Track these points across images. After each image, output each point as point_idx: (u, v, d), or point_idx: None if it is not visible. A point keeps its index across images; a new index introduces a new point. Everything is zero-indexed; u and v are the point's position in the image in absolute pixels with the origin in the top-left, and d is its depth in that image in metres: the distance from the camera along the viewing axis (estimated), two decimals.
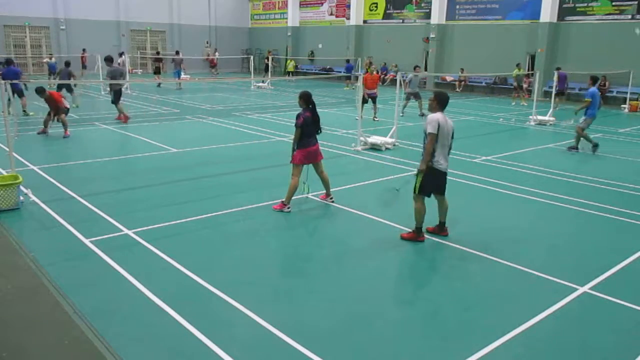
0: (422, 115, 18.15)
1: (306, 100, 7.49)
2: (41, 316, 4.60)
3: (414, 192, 6.46)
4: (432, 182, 6.36)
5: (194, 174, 9.54)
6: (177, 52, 29.64)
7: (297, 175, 7.43)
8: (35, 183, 8.34)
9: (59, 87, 16.76)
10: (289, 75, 33.35)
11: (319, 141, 7.66)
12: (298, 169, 7.44)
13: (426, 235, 6.60)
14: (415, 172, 6.48)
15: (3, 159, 9.46)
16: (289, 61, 35.51)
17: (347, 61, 29.72)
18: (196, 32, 38.89)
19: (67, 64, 17.88)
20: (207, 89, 26.47)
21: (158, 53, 28.94)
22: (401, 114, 18.14)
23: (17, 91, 15.39)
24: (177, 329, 4.38)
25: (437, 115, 6.26)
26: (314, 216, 7.54)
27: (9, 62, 16.61)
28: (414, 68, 19.46)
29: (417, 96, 18.42)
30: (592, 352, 4.28)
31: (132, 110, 17.54)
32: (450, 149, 6.48)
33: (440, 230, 6.74)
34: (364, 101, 16.82)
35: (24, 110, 16.17)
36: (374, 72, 18.22)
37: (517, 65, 22.74)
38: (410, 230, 6.61)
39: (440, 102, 6.33)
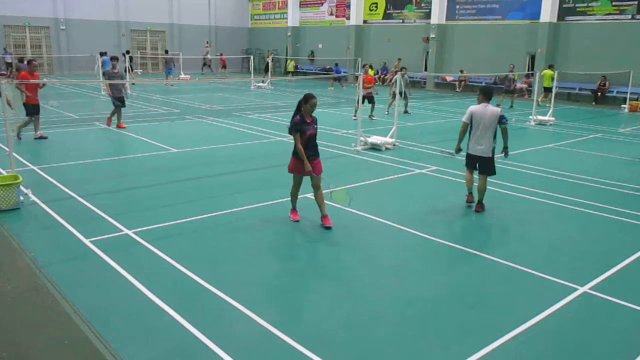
0: (406, 112, 18.72)
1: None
2: (41, 316, 4.60)
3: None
4: (470, 161, 7.92)
5: (194, 174, 9.54)
6: (167, 52, 30.91)
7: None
8: (35, 183, 8.33)
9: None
10: (289, 75, 33.39)
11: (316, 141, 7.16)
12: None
13: (429, 236, 6.63)
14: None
15: (3, 159, 9.46)
16: (289, 61, 35.51)
17: (336, 65, 30.55)
18: (196, 32, 38.88)
19: (22, 60, 18.74)
20: (207, 89, 26.47)
21: (128, 52, 29.41)
22: (386, 112, 18.23)
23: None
24: (177, 328, 4.38)
25: (472, 107, 7.77)
26: (313, 216, 7.52)
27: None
28: (401, 69, 19.51)
29: (404, 95, 18.53)
30: (592, 352, 4.28)
31: (132, 110, 17.54)
32: (495, 133, 7.67)
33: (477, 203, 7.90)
34: (362, 101, 16.86)
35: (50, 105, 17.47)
36: (369, 72, 18.24)
37: (550, 66, 22.48)
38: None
39: (484, 95, 7.74)
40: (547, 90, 21.69)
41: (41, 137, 12.39)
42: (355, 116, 16.97)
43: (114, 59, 14.65)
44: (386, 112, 18.33)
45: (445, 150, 8.89)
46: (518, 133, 15.69)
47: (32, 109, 12.23)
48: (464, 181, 8.17)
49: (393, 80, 18.32)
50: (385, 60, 31.83)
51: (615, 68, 22.06)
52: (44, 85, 13.11)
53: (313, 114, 6.74)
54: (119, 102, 14.00)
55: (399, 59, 29.99)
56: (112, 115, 14.24)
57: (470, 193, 8.09)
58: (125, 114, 14.98)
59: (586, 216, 7.76)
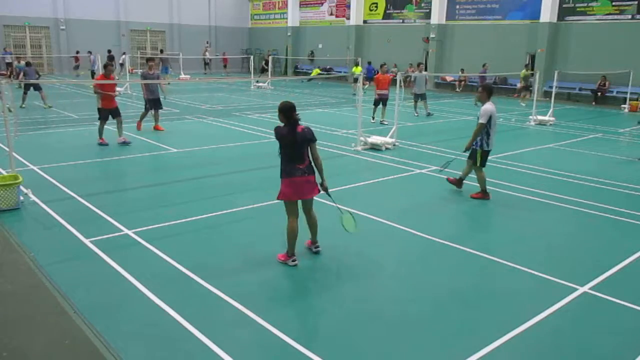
0: (429, 114, 18.22)
1: (286, 114, 5.66)
2: (41, 316, 4.60)
3: (476, 165, 8.24)
4: (487, 157, 8.18)
5: (194, 174, 9.54)
6: (161, 51, 32.01)
7: (291, 214, 5.81)
8: (35, 183, 8.33)
9: (26, 87, 17.84)
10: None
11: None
12: (288, 207, 5.81)
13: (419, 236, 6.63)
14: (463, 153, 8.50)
15: (3, 159, 9.46)
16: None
17: (369, 63, 29.40)
18: (196, 32, 38.89)
19: (28, 64, 19.21)
20: (207, 89, 26.47)
21: (109, 52, 29.68)
22: (416, 114, 18.20)
23: (35, 85, 17.52)
24: (177, 329, 4.38)
25: (489, 107, 7.80)
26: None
27: (28, 64, 19.13)
28: (418, 65, 19.35)
29: (423, 97, 18.21)
30: (591, 353, 4.28)
31: (131, 110, 17.54)
32: None
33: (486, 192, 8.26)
34: (376, 103, 16.44)
35: (45, 103, 17.74)
36: (386, 73, 16.96)
37: (526, 65, 22.84)
38: (477, 192, 8.37)
39: (488, 93, 7.92)
40: (526, 89, 22.91)
41: (124, 143, 11.94)
42: (373, 119, 16.40)
43: (151, 59, 14.19)
44: (415, 114, 18.18)
45: (445, 165, 9.20)
46: (518, 133, 15.69)
47: (106, 113, 11.82)
48: (467, 182, 8.20)
49: (412, 79, 17.99)
50: (385, 60, 31.77)
51: (615, 68, 22.06)
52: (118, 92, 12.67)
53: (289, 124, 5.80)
54: (150, 104, 13.75)
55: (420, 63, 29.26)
56: (142, 118, 13.93)
57: (486, 190, 8.28)
58: (125, 115, 14.94)
59: (586, 216, 7.76)
